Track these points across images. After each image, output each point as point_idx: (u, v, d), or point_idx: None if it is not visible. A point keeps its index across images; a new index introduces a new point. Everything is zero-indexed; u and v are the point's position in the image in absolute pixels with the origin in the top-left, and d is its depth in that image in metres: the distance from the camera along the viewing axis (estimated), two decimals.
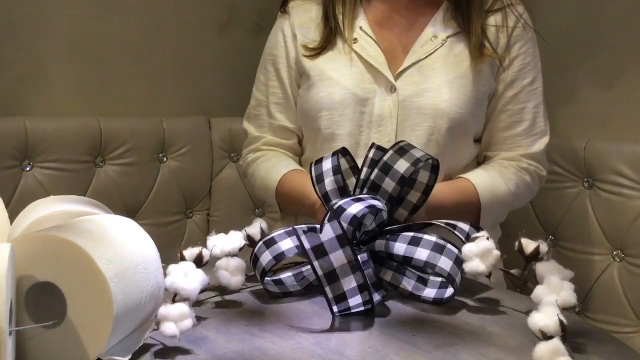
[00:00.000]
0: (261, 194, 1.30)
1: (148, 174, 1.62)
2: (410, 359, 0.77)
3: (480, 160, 1.30)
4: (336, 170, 1.00)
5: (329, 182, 1.01)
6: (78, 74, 1.61)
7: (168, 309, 0.76)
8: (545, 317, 0.77)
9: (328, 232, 0.84)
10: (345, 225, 0.86)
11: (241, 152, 1.40)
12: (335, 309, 0.86)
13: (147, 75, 1.69)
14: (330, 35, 1.24)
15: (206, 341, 0.79)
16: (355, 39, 1.23)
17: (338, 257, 0.84)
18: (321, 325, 0.86)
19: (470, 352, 0.80)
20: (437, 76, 1.19)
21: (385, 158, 0.96)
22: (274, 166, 1.27)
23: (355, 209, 0.88)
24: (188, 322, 0.76)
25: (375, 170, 0.96)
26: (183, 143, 1.65)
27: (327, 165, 1.02)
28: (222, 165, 1.70)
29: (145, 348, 0.76)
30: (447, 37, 1.21)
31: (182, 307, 0.76)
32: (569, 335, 0.77)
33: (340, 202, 0.89)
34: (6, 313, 0.61)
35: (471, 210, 1.19)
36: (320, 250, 0.83)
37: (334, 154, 1.03)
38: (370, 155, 0.99)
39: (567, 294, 0.82)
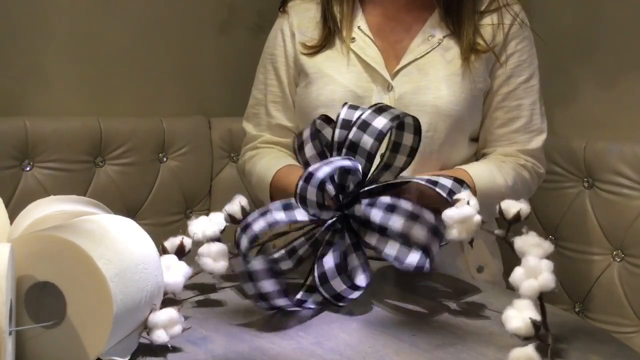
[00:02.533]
0: (257, 190, 1.30)
1: (148, 174, 1.62)
2: (410, 359, 0.77)
3: (478, 159, 1.30)
4: (314, 136, 1.00)
5: (308, 149, 1.00)
6: (78, 74, 1.61)
7: (157, 316, 0.76)
8: (518, 318, 0.75)
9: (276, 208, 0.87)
10: (314, 190, 0.87)
11: (241, 152, 1.40)
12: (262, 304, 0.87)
13: (147, 75, 1.69)
14: (329, 34, 1.25)
15: (206, 341, 0.79)
16: (353, 38, 1.24)
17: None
18: (321, 325, 0.86)
19: (470, 352, 0.80)
20: (433, 74, 1.20)
21: (363, 116, 0.95)
22: (270, 162, 1.26)
23: (322, 172, 0.87)
24: (178, 328, 0.76)
25: (353, 129, 0.94)
26: (183, 143, 1.65)
27: (306, 133, 1.02)
28: (222, 165, 1.70)
29: (145, 348, 0.76)
30: (444, 36, 1.22)
31: (171, 313, 0.76)
32: (570, 336, 0.77)
33: (310, 169, 0.88)
34: (6, 313, 0.61)
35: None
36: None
37: (313, 121, 1.02)
38: (342, 115, 0.98)
39: (546, 277, 0.77)
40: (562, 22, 1.57)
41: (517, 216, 0.89)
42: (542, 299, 0.76)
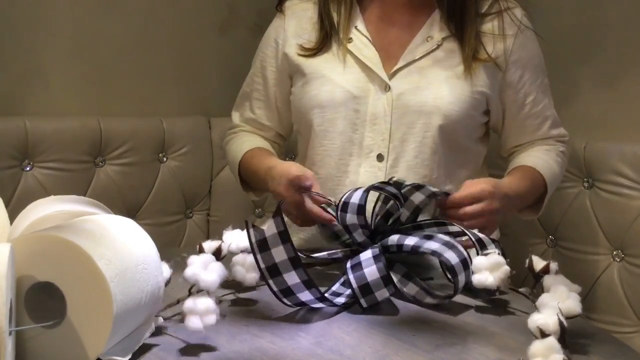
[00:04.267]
0: (231, 168, 1.36)
1: (148, 174, 1.62)
2: (410, 359, 0.77)
3: (505, 154, 1.32)
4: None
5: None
6: (78, 74, 1.61)
7: (195, 303, 0.77)
8: (545, 317, 0.77)
9: (271, 228, 0.85)
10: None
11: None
12: (285, 301, 0.88)
13: (147, 75, 1.69)
14: (326, 36, 1.25)
15: (206, 341, 0.79)
16: (351, 38, 1.23)
17: (278, 253, 0.86)
18: (321, 325, 0.86)
19: (470, 352, 0.80)
20: (431, 75, 1.20)
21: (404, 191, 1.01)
22: (243, 144, 1.31)
23: (357, 197, 0.95)
24: (212, 318, 0.77)
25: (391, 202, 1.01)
26: (183, 143, 1.65)
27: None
28: (222, 165, 1.70)
29: (145, 348, 0.76)
30: (443, 38, 1.21)
31: (208, 302, 0.77)
32: (570, 336, 0.77)
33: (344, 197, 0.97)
34: (6, 313, 0.61)
35: (536, 195, 1.23)
36: (263, 245, 0.86)
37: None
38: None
39: (573, 303, 0.83)
40: (562, 22, 1.57)
41: (546, 269, 0.92)
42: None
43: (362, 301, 0.90)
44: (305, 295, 0.87)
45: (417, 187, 1.02)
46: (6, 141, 1.45)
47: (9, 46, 1.51)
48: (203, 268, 0.83)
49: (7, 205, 1.00)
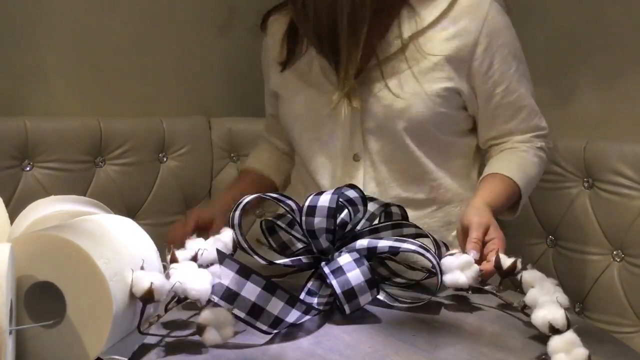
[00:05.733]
0: None
1: (148, 174, 1.62)
2: (410, 359, 0.77)
3: (484, 147, 1.31)
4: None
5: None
6: (78, 74, 1.61)
7: (216, 314, 0.74)
8: (552, 312, 0.78)
9: (225, 273, 0.79)
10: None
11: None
12: (276, 331, 0.82)
13: (147, 75, 1.69)
14: (293, 48, 1.27)
15: None
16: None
17: (250, 291, 0.80)
18: (321, 325, 0.86)
19: (470, 352, 0.80)
20: (397, 78, 1.20)
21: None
22: (251, 157, 1.44)
23: (325, 200, 0.93)
24: (230, 330, 0.75)
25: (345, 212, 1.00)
26: (183, 143, 1.65)
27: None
28: (222, 165, 1.70)
29: (145, 348, 0.76)
30: (410, 36, 1.20)
31: (225, 314, 0.75)
32: None
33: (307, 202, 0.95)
34: (6, 313, 0.61)
35: (510, 204, 1.22)
36: (231, 296, 0.79)
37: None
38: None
39: (562, 296, 0.84)
40: (562, 22, 1.57)
41: (513, 268, 0.94)
42: None
43: (346, 307, 0.87)
44: (293, 315, 0.82)
45: (371, 199, 1.06)
46: (6, 141, 1.45)
47: (9, 46, 1.51)
48: (189, 276, 0.78)
49: (7, 205, 1.00)
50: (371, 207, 1.05)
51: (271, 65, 1.32)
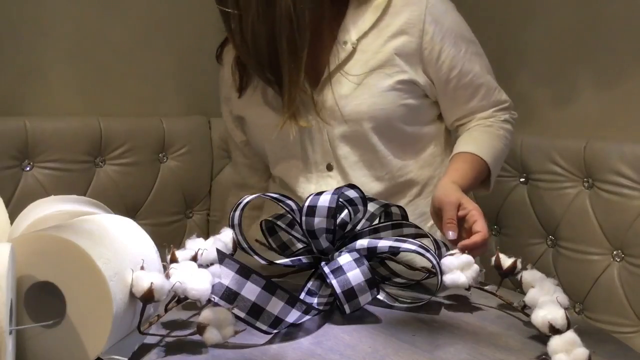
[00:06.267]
0: None
1: (148, 174, 1.62)
2: (410, 359, 0.77)
3: (452, 128, 1.32)
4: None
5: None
6: (78, 74, 1.61)
7: (216, 314, 0.74)
8: (552, 312, 0.78)
9: (225, 273, 0.79)
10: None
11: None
12: (276, 330, 0.82)
13: (147, 75, 1.69)
14: (245, 71, 1.26)
15: None
16: None
17: (250, 291, 0.80)
18: (321, 325, 0.86)
19: (470, 352, 0.80)
20: (352, 81, 1.20)
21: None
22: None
23: (325, 200, 0.93)
24: (230, 330, 0.75)
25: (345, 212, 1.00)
26: (183, 143, 1.65)
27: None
28: (222, 165, 1.70)
29: (145, 348, 0.76)
30: (357, 39, 1.21)
31: (226, 313, 0.75)
32: None
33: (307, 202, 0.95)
34: (6, 313, 0.61)
35: (480, 179, 1.23)
36: (231, 295, 0.79)
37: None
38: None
39: (562, 296, 0.84)
40: (562, 22, 1.57)
41: (513, 267, 0.95)
42: None
43: (346, 307, 0.87)
44: (293, 315, 0.82)
45: (370, 199, 1.07)
46: (6, 141, 1.45)
47: (9, 46, 1.52)
48: (190, 276, 0.77)
49: (7, 205, 1.01)
50: (371, 207, 1.05)
51: (231, 93, 1.32)
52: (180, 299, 0.78)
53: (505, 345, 0.82)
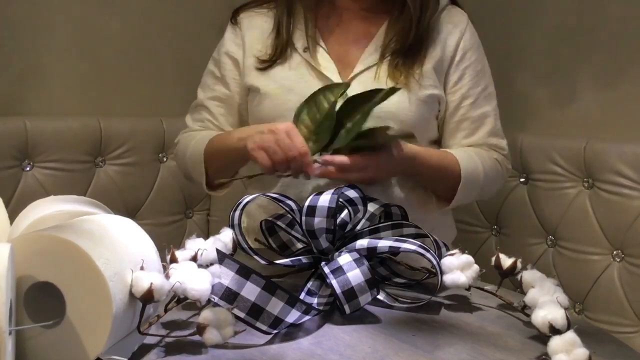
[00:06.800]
0: (189, 166, 1.29)
1: (148, 174, 1.62)
2: (410, 359, 0.77)
3: None
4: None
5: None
6: (78, 74, 1.61)
7: (216, 314, 0.74)
8: (552, 312, 0.78)
9: (225, 273, 0.79)
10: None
11: None
12: (276, 331, 0.82)
13: (147, 75, 1.69)
14: (282, 46, 1.25)
15: None
16: (306, 47, 1.23)
17: (250, 291, 0.80)
18: (321, 325, 0.86)
19: (470, 352, 0.80)
20: (384, 82, 1.21)
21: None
22: (205, 135, 1.28)
23: (325, 200, 0.92)
24: (230, 330, 0.75)
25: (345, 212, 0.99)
26: None
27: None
28: None
29: (145, 348, 0.76)
30: (394, 45, 1.22)
31: (226, 313, 0.75)
32: None
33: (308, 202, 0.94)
34: (6, 313, 0.61)
35: (449, 181, 1.21)
36: (230, 295, 0.79)
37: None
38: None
39: (562, 296, 0.84)
40: (562, 22, 1.57)
41: (513, 267, 0.95)
42: None
43: (346, 307, 0.87)
44: (293, 315, 0.82)
45: (371, 199, 1.06)
46: (6, 141, 1.45)
47: (9, 46, 1.52)
48: (189, 276, 0.77)
49: (7, 205, 1.00)
50: (371, 207, 1.05)
51: (247, 60, 1.28)
52: (180, 299, 0.78)
53: (505, 345, 0.82)
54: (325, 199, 0.93)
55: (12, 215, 0.82)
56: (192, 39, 1.74)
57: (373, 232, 1.02)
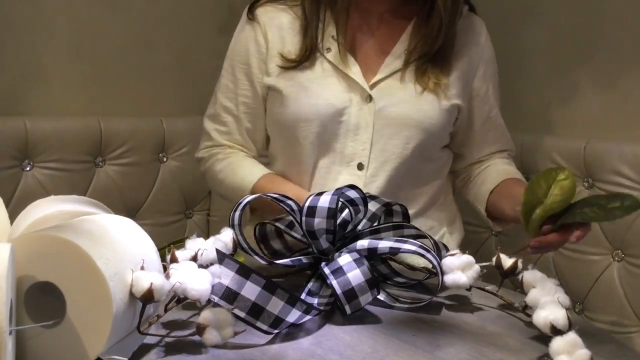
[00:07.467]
0: (231, 193, 1.27)
1: (148, 174, 1.62)
2: (410, 359, 0.77)
3: (460, 168, 1.35)
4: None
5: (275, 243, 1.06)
6: (78, 74, 1.61)
7: (216, 315, 0.73)
8: (553, 312, 0.78)
9: (225, 273, 0.79)
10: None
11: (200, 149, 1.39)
12: (276, 330, 0.81)
13: (147, 75, 1.69)
14: (308, 46, 1.22)
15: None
16: (329, 48, 1.21)
17: (250, 290, 0.79)
18: (321, 325, 0.86)
19: (470, 352, 0.80)
20: (410, 88, 1.20)
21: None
22: (252, 164, 1.27)
23: (325, 200, 0.92)
24: (229, 331, 0.75)
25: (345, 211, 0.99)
26: (183, 143, 1.65)
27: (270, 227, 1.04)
28: None
29: (145, 348, 0.76)
30: (420, 50, 1.21)
31: (225, 314, 0.74)
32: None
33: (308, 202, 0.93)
34: (6, 313, 0.61)
35: None
36: (231, 295, 0.79)
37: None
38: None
39: (563, 296, 0.84)
40: (562, 22, 1.57)
41: (514, 267, 0.95)
42: None
43: (347, 308, 0.87)
44: (294, 315, 0.82)
45: (372, 197, 1.05)
46: (6, 141, 1.45)
47: (9, 46, 1.52)
48: (189, 276, 0.76)
49: (7, 205, 1.00)
50: (372, 206, 1.05)
51: (270, 58, 1.24)
52: (180, 299, 0.78)
53: (505, 345, 0.82)
54: (325, 200, 0.93)
55: (12, 215, 0.82)
56: (192, 39, 1.74)
57: (374, 233, 1.02)
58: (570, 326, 0.78)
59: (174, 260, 0.85)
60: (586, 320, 1.36)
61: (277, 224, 1.05)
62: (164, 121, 1.64)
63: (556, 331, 0.77)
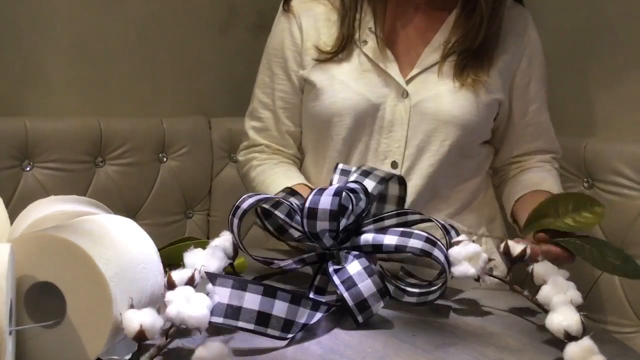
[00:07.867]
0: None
1: (148, 174, 1.62)
2: (410, 359, 0.77)
3: (500, 165, 1.32)
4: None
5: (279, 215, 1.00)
6: (78, 74, 1.61)
7: (208, 350, 0.69)
8: (567, 318, 0.78)
9: (221, 292, 0.77)
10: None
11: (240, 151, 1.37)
12: (289, 335, 0.80)
13: (147, 75, 1.69)
14: (345, 38, 1.19)
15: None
16: (365, 41, 1.19)
17: (251, 301, 0.78)
18: (321, 325, 0.86)
19: (471, 352, 0.80)
20: (448, 82, 1.18)
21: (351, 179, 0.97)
22: (284, 175, 1.24)
23: (326, 202, 0.88)
24: None
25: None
26: (183, 143, 1.65)
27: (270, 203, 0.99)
28: (222, 165, 1.70)
29: (145, 348, 0.76)
30: (460, 44, 1.18)
31: (221, 347, 0.71)
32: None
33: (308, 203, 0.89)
34: (6, 313, 0.61)
35: None
36: (233, 312, 0.77)
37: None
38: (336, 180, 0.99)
39: (574, 293, 0.83)
40: (562, 22, 1.57)
41: (522, 254, 0.91)
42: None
43: (359, 317, 0.85)
44: (302, 314, 0.81)
45: (364, 173, 1.00)
46: (6, 141, 1.45)
47: (9, 46, 1.51)
48: (186, 303, 0.73)
49: (7, 205, 1.00)
50: (369, 184, 0.99)
51: (305, 50, 1.22)
52: (168, 333, 0.74)
53: (505, 346, 0.82)
54: (326, 201, 0.89)
55: (12, 215, 0.82)
56: (192, 39, 1.74)
57: (377, 221, 0.98)
58: (585, 331, 0.77)
59: (171, 286, 0.78)
60: (586, 320, 1.36)
61: (276, 212, 1.00)
62: (164, 121, 1.64)
63: (570, 337, 0.76)
